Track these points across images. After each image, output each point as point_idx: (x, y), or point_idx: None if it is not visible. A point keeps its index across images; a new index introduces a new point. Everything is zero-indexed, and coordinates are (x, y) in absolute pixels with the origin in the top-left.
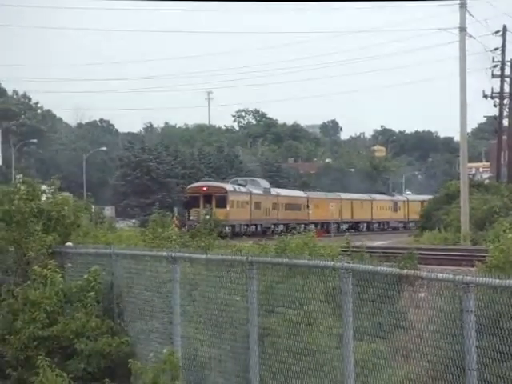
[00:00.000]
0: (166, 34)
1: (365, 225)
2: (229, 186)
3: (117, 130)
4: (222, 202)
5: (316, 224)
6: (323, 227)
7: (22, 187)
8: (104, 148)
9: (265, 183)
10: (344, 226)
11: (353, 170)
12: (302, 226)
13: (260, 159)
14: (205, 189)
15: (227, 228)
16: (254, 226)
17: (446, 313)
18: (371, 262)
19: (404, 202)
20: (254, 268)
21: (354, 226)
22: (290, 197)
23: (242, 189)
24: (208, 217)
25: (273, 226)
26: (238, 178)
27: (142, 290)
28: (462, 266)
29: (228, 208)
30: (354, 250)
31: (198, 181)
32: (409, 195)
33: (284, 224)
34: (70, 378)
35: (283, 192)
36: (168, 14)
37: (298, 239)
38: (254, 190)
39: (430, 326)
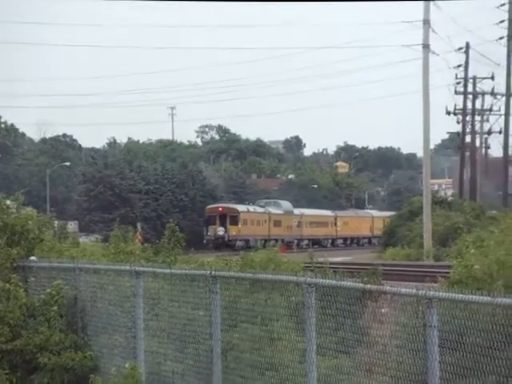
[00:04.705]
0: (130, 49)
1: None
2: (241, 207)
3: (80, 145)
4: (234, 220)
5: (345, 239)
6: (353, 241)
7: None
8: (67, 163)
9: (287, 204)
10: (375, 241)
11: (315, 186)
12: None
13: (223, 175)
14: (220, 209)
15: (238, 242)
16: (273, 241)
17: (408, 328)
18: (334, 277)
19: None
20: (217, 282)
21: None
22: (315, 215)
23: (258, 209)
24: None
25: (296, 241)
26: (264, 200)
27: (105, 305)
28: (425, 282)
29: (240, 225)
30: (317, 265)
31: (161, 196)
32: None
33: (309, 239)
34: None
35: (307, 212)
36: (133, 30)
37: (262, 254)
38: (274, 210)
39: (393, 340)
